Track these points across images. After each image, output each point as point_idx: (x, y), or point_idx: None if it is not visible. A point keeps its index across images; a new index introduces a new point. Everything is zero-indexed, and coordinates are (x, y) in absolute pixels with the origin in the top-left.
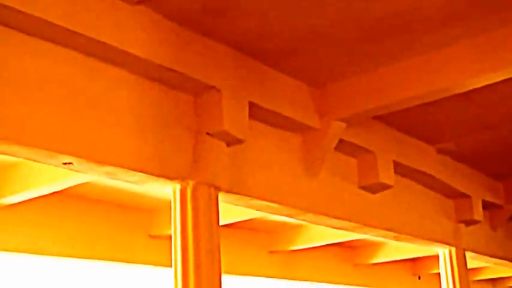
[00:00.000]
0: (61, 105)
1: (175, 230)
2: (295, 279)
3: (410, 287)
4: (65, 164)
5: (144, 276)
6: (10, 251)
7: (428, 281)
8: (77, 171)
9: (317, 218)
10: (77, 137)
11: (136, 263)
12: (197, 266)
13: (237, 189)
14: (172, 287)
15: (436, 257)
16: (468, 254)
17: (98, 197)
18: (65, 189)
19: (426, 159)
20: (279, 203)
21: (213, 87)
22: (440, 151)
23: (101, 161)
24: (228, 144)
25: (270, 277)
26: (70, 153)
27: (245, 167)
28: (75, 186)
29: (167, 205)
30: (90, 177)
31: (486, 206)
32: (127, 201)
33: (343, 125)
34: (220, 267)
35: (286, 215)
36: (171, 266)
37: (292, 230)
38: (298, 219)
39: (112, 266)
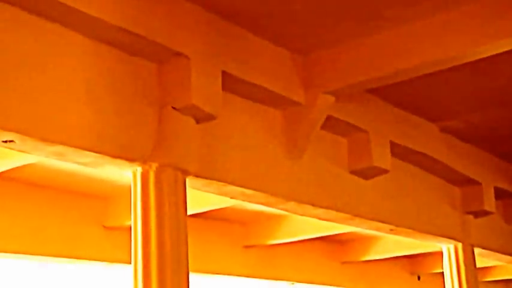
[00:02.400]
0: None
1: (135, 220)
2: (274, 279)
3: None
4: (5, 142)
5: (98, 275)
6: None
7: (429, 281)
8: (19, 150)
9: (300, 207)
10: (20, 110)
11: (88, 259)
12: (161, 263)
13: (207, 173)
14: (131, 287)
15: (439, 253)
16: (477, 251)
17: (44, 182)
18: (4, 171)
19: (428, 139)
20: (256, 190)
21: (181, 53)
22: (444, 130)
23: (48, 139)
24: (198, 121)
25: (245, 276)
26: (11, 129)
27: (217, 148)
28: (16, 168)
29: (125, 191)
30: (35, 158)
31: (499, 194)
32: (78, 186)
33: (332, 99)
34: (187, 265)
35: (265, 204)
36: (129, 263)
37: (271, 222)
38: (279, 209)
39: (59, 263)
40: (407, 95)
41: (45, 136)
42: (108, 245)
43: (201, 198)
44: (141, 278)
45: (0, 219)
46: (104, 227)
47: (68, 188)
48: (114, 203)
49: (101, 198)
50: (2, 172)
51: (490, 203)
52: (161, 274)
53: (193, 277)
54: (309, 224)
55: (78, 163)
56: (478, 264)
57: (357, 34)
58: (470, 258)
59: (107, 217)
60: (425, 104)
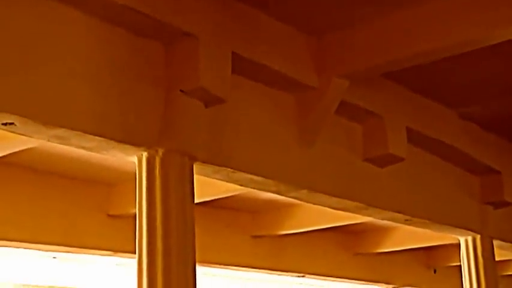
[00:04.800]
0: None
1: (140, 208)
2: (284, 270)
3: (424, 282)
4: (5, 124)
5: (101, 265)
6: None
7: (446, 275)
8: (20, 133)
9: (312, 195)
10: (21, 92)
11: (91, 248)
12: (166, 253)
13: (215, 159)
14: (135, 278)
15: (456, 246)
16: (496, 243)
17: (45, 167)
18: (5, 156)
19: (446, 126)
20: (267, 177)
21: (189, 34)
22: (463, 116)
23: (50, 122)
24: (206, 104)
25: (253, 267)
26: (12, 112)
27: (226, 133)
28: (17, 153)
29: (130, 178)
30: (36, 142)
31: None
32: (81, 173)
33: (346, 83)
34: (194, 255)
35: (275, 192)
36: (134, 253)
37: (282, 211)
38: (289, 197)
39: (60, 251)
40: (425, 80)
41: (47, 119)
42: (112, 234)
43: (208, 185)
44: (146, 268)
45: (0, 205)
46: (108, 215)
47: (70, 174)
48: (118, 190)
49: (104, 185)
50: (2, 157)
51: (510, 193)
52: (167, 264)
53: (200, 269)
54: (320, 214)
55: (82, 147)
56: (497, 257)
57: (373, 15)
58: (489, 251)
59: (110, 205)
60: (444, 89)
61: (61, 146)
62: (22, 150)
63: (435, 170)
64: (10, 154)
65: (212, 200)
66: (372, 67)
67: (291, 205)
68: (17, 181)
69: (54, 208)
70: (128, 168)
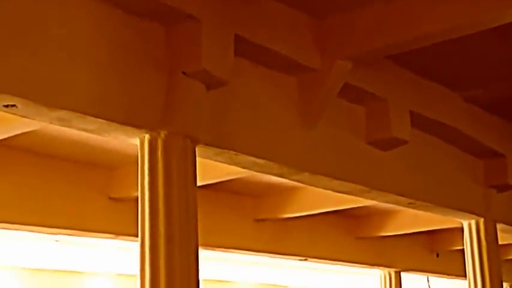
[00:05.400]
0: (1, 35)
1: (142, 191)
2: (286, 254)
3: (427, 266)
4: (6, 106)
5: (103, 248)
6: None
7: (449, 259)
8: (21, 115)
9: (315, 178)
10: (22, 73)
11: (93, 231)
12: (169, 237)
13: (218, 142)
14: (137, 261)
15: (459, 230)
16: (499, 227)
17: (47, 150)
18: (5, 139)
19: (450, 109)
20: (269, 160)
21: (191, 15)
22: (467, 99)
23: (51, 104)
24: (208, 87)
25: (256, 250)
26: (13, 93)
27: (229, 115)
28: (18, 135)
29: (132, 161)
30: (38, 124)
31: None
32: (82, 155)
33: (349, 65)
34: (197, 238)
35: (277, 175)
36: (136, 236)
37: (284, 194)
38: (292, 180)
39: (61, 234)
40: (429, 62)
41: (49, 101)
42: (114, 217)
43: (210, 168)
44: (148, 251)
45: (1, 188)
46: (110, 198)
47: (72, 157)
48: (120, 173)
49: (106, 168)
50: (3, 139)
51: None
52: (169, 247)
53: (202, 252)
54: (323, 198)
55: (83, 130)
56: (501, 241)
57: None
58: (492, 235)
59: (112, 188)
60: (448, 72)
61: (63, 128)
62: (23, 133)
63: (438, 153)
64: (11, 137)
65: (214, 183)
66: (375, 49)
67: (294, 189)
68: (18, 164)
69: (56, 191)
70: (129, 150)
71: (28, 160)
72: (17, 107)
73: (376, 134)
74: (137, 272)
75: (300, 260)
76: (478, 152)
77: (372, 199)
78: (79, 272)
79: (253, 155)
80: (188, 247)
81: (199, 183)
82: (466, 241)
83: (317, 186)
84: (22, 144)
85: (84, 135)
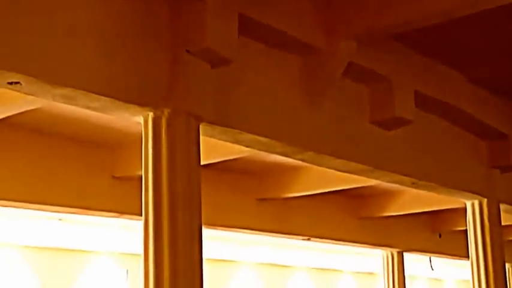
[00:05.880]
0: (6, 12)
1: (146, 169)
2: (289, 234)
3: (429, 246)
4: (11, 83)
5: (106, 228)
6: None
7: (451, 239)
8: (25, 93)
9: (318, 157)
10: (26, 51)
11: (97, 210)
12: (172, 215)
13: (222, 120)
14: (141, 240)
15: (462, 210)
16: (502, 207)
17: (51, 129)
18: (10, 117)
19: (455, 89)
20: (273, 138)
21: None
22: (472, 80)
23: (55, 82)
24: (213, 65)
25: (259, 230)
26: (17, 70)
27: (232, 94)
28: (22, 113)
29: (136, 139)
30: (42, 102)
31: None
32: (86, 134)
33: (354, 44)
34: (200, 217)
35: (281, 154)
36: (139, 215)
37: (287, 174)
38: (296, 159)
39: (65, 213)
40: (433, 43)
41: (53, 78)
42: (118, 196)
43: (214, 148)
44: (152, 230)
45: (5, 167)
46: (113, 177)
47: (76, 136)
48: (124, 152)
49: (110, 147)
50: (7, 117)
51: None
52: (173, 226)
53: (206, 231)
54: (326, 177)
55: (87, 107)
56: (504, 222)
57: None
58: (495, 215)
59: (116, 166)
60: (453, 52)
61: (66, 107)
62: (27, 111)
63: (442, 133)
64: (15, 115)
65: (218, 163)
66: (380, 29)
67: (297, 168)
68: (22, 142)
69: (60, 170)
70: (133, 129)
71: (32, 139)
72: (21, 85)
73: (380, 113)
74: (141, 250)
75: (303, 239)
76: (482, 132)
77: (375, 179)
78: (82, 251)
79: (257, 134)
80: (191, 226)
81: (202, 163)
82: (469, 221)
83: (320, 166)
84: (26, 122)
85: (88, 113)
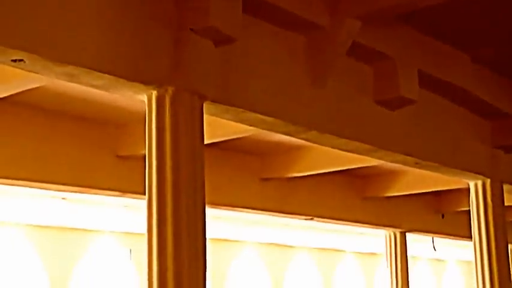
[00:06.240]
0: None
1: (149, 148)
2: (292, 213)
3: (432, 227)
4: (14, 61)
5: (110, 207)
6: None
7: (454, 220)
8: (29, 71)
9: (322, 137)
10: (30, 28)
11: (100, 189)
12: (176, 194)
13: (225, 99)
14: (145, 219)
15: (465, 191)
16: (506, 188)
17: (54, 107)
18: (12, 95)
19: (459, 69)
20: (277, 117)
21: None
22: (475, 60)
23: (59, 59)
24: (216, 44)
25: (262, 210)
26: (21, 48)
27: (236, 72)
28: (24, 92)
29: (140, 118)
30: (45, 80)
31: None
32: (90, 113)
33: (358, 23)
34: (204, 196)
35: (285, 133)
36: (142, 194)
37: (291, 153)
38: (299, 139)
39: (69, 191)
40: (438, 22)
41: (56, 56)
42: (121, 175)
43: (217, 127)
44: (156, 209)
45: (8, 145)
46: (117, 155)
47: (79, 114)
48: (127, 131)
49: (113, 126)
50: (10, 96)
51: None
52: (176, 205)
53: (208, 210)
54: (330, 157)
55: (91, 85)
56: (507, 202)
57: None
58: (498, 196)
59: (120, 145)
60: (457, 32)
61: (70, 85)
62: (31, 89)
63: (446, 113)
64: (19, 93)
65: (221, 142)
66: (384, 8)
67: (300, 148)
68: (25, 120)
69: (63, 149)
70: (137, 108)
71: (35, 117)
72: (24, 62)
73: (384, 93)
74: (144, 230)
75: (306, 219)
76: (486, 112)
77: (379, 158)
78: (86, 230)
79: (260, 113)
80: (195, 205)
81: (206, 142)
82: (472, 202)
83: (324, 145)
84: (30, 100)
85: (91, 92)
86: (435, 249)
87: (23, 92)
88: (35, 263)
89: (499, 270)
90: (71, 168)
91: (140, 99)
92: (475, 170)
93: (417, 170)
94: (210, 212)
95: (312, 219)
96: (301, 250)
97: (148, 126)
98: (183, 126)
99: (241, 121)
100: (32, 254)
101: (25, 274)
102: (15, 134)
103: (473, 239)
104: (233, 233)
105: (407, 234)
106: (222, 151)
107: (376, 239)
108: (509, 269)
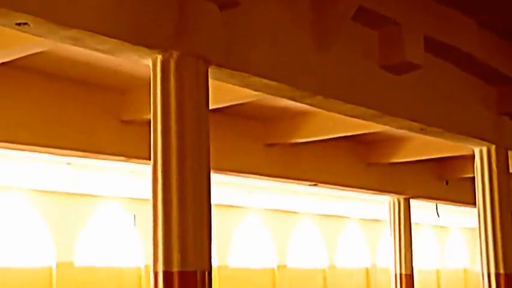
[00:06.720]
0: None
1: (154, 113)
2: (296, 179)
3: (436, 193)
4: (19, 24)
5: (114, 172)
6: None
7: (458, 186)
8: (33, 34)
9: (327, 102)
10: None
11: (105, 153)
12: (181, 159)
13: (230, 63)
14: (150, 184)
15: (469, 157)
16: (511, 154)
17: (59, 72)
18: (17, 59)
19: (464, 34)
20: (282, 82)
21: None
22: (482, 25)
23: (64, 23)
24: (221, 7)
25: (266, 175)
26: (25, 11)
27: (241, 36)
28: (29, 56)
29: (144, 82)
30: (48, 44)
31: None
32: (94, 78)
33: None
34: (209, 161)
35: (290, 98)
36: (148, 159)
37: (295, 119)
38: (304, 104)
39: (73, 156)
40: None
41: (61, 19)
42: (126, 140)
43: (222, 92)
44: (161, 174)
45: (13, 110)
46: (121, 120)
47: (84, 79)
48: (132, 96)
49: (118, 91)
50: (15, 60)
51: None
52: (181, 170)
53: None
54: (334, 123)
55: (95, 49)
56: (511, 170)
57: None
58: (503, 162)
59: (124, 110)
60: None
61: (74, 50)
62: (35, 54)
63: (452, 79)
64: (23, 58)
65: (226, 108)
66: None
67: (305, 114)
68: (30, 85)
69: (68, 114)
70: (141, 73)
71: (40, 81)
72: (29, 26)
73: (390, 58)
74: (149, 195)
75: (310, 185)
76: (491, 78)
77: (384, 124)
78: (90, 195)
79: (265, 77)
80: (200, 170)
81: (210, 107)
82: (476, 168)
83: (329, 110)
84: (34, 65)
85: (96, 56)
86: (439, 216)
87: (26, 56)
88: (41, 228)
89: (502, 237)
90: (75, 133)
91: (145, 63)
92: (480, 136)
93: (421, 137)
94: (215, 178)
95: (316, 185)
96: (305, 216)
97: (153, 90)
98: (188, 91)
99: (246, 86)
100: (37, 219)
101: (30, 238)
102: (19, 99)
103: (477, 205)
104: (237, 199)
105: (411, 201)
106: (227, 117)
107: (380, 206)
108: None
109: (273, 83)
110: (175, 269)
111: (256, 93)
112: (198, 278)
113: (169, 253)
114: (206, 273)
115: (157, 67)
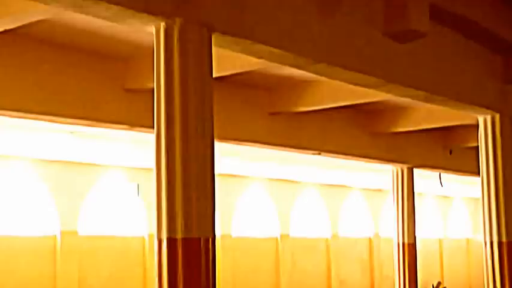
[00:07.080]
0: None
1: (158, 81)
2: (300, 147)
3: (440, 162)
4: None
5: (118, 142)
6: None
7: (462, 156)
8: (37, 1)
9: (330, 69)
10: None
11: (108, 122)
12: (184, 127)
13: (234, 31)
14: (153, 153)
15: (473, 127)
16: None
17: (61, 40)
18: (19, 27)
19: (470, 2)
20: (285, 49)
21: None
22: None
23: None
24: None
25: (270, 144)
26: None
27: (245, 4)
28: (31, 24)
29: (147, 52)
30: (52, 11)
31: None
32: (97, 46)
33: None
34: (212, 129)
35: (293, 65)
36: (151, 128)
37: (299, 88)
38: (308, 71)
39: (76, 125)
40: None
41: None
42: (129, 108)
43: (225, 61)
44: (164, 143)
45: (15, 78)
46: (125, 89)
47: (87, 47)
48: (135, 64)
49: (121, 59)
50: (17, 28)
51: None
52: (185, 139)
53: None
54: (338, 92)
55: (99, 16)
56: None
57: None
58: (508, 131)
59: (127, 79)
60: None
61: (77, 18)
62: (37, 22)
63: (457, 47)
64: (25, 26)
65: (229, 76)
66: None
67: (308, 82)
68: (32, 54)
69: (70, 82)
70: (144, 41)
71: (43, 50)
72: None
73: (394, 25)
74: (153, 164)
75: (313, 153)
76: (497, 47)
77: (388, 92)
78: (93, 165)
79: (269, 45)
80: (204, 138)
81: (214, 76)
82: (480, 137)
83: (333, 78)
84: (37, 33)
85: (99, 24)
86: (442, 185)
87: (29, 24)
88: (44, 197)
89: (506, 207)
90: (78, 102)
91: (148, 30)
92: (485, 105)
93: (425, 106)
94: (218, 147)
95: (319, 153)
96: (308, 186)
97: (156, 57)
98: (191, 58)
99: (250, 53)
100: (40, 188)
101: (34, 208)
102: (21, 68)
103: (481, 174)
104: (241, 169)
105: (415, 170)
106: (231, 85)
107: (383, 176)
108: None
109: (277, 51)
110: (179, 236)
111: (260, 61)
112: (202, 244)
113: (173, 220)
114: (210, 240)
115: (160, 34)
